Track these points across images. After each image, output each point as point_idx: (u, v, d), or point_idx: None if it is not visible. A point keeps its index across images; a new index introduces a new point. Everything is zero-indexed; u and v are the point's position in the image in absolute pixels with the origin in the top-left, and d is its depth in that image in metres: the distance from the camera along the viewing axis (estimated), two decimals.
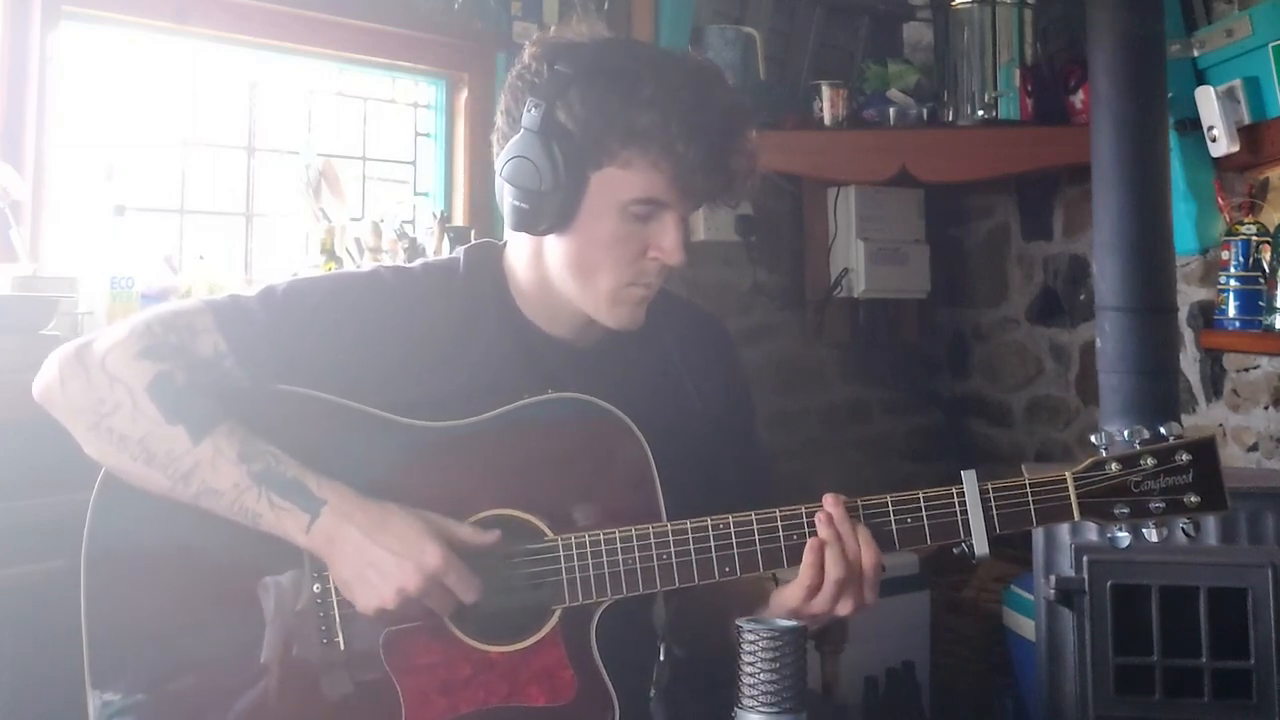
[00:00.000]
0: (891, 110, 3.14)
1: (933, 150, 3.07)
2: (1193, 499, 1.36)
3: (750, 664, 1.23)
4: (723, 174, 1.42)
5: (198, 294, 2.26)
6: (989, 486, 1.37)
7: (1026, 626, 2.56)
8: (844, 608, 1.37)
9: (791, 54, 3.34)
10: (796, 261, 3.41)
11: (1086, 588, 2.10)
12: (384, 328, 1.46)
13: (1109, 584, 2.11)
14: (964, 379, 3.70)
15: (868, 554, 1.36)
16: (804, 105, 3.18)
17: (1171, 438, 1.37)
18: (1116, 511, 1.36)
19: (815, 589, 1.37)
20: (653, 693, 1.43)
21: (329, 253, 2.50)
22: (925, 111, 3.14)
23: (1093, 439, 1.39)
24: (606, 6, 2.88)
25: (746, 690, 1.23)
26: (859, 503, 1.38)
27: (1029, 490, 1.37)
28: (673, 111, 1.37)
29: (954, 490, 1.38)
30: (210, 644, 1.37)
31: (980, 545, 1.37)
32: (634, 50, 1.45)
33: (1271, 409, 2.80)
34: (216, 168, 2.59)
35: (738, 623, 1.26)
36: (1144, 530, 1.37)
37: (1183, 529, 1.37)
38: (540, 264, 1.48)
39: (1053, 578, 2.14)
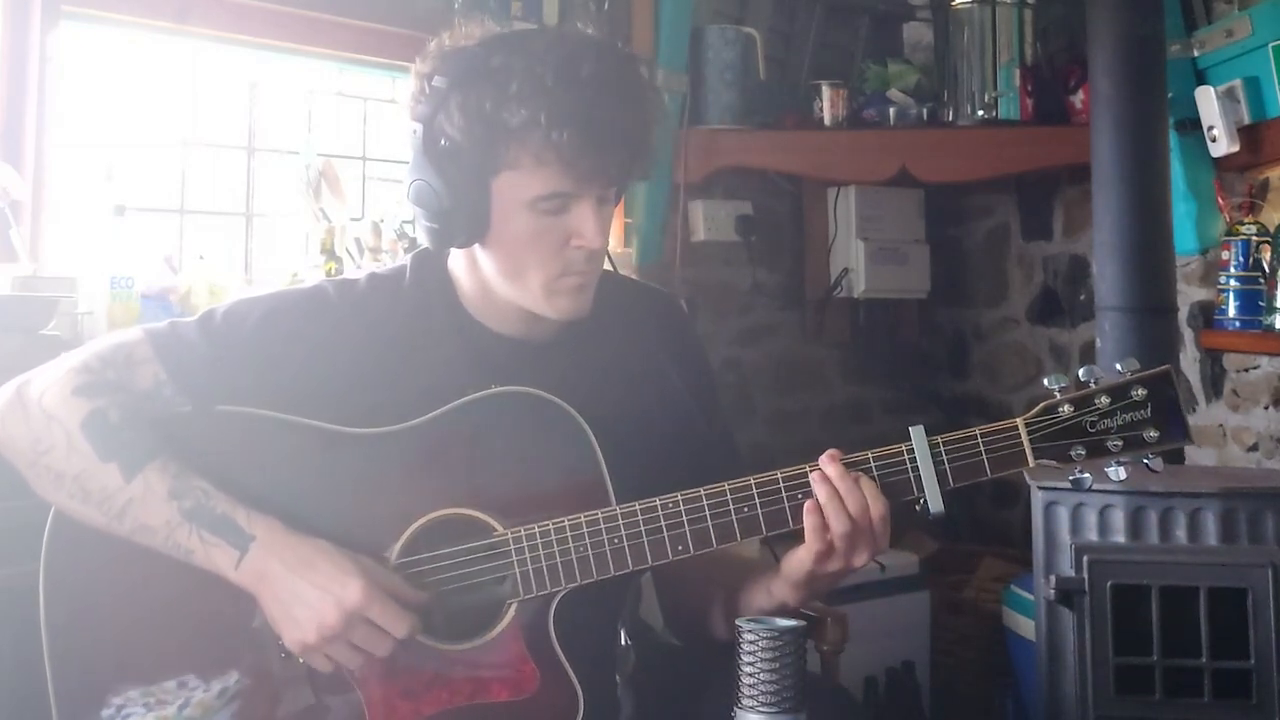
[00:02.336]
0: (891, 110, 3.14)
1: (933, 150, 3.07)
2: (1152, 434, 1.35)
3: (750, 664, 1.23)
4: (615, 149, 1.38)
5: (198, 294, 2.26)
6: (939, 440, 1.37)
7: (1026, 626, 2.56)
8: (859, 560, 1.37)
9: (791, 54, 3.33)
10: (796, 261, 3.41)
11: (1086, 588, 2.10)
12: (327, 343, 1.45)
13: (1109, 584, 2.10)
14: (964, 379, 3.70)
15: (876, 506, 1.35)
16: (804, 105, 3.18)
17: (1128, 374, 1.36)
18: (1073, 454, 1.36)
19: (825, 554, 1.37)
20: (618, 679, 1.42)
21: (329, 253, 2.50)
22: (925, 111, 3.14)
23: (1045, 381, 1.38)
24: (607, 6, 2.87)
25: (746, 690, 1.23)
26: (807, 466, 1.37)
27: (980, 440, 1.37)
28: (540, 103, 1.33)
29: (903, 447, 1.38)
30: (171, 666, 1.37)
31: (934, 501, 1.36)
32: (508, 45, 1.39)
33: (1271, 409, 2.80)
34: (216, 168, 2.59)
35: (738, 623, 1.26)
36: (1108, 470, 1.36)
37: (1146, 463, 1.36)
38: (477, 269, 1.48)
39: (1053, 578, 2.13)
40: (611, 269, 1.64)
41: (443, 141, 1.39)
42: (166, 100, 2.50)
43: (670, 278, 2.99)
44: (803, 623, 1.29)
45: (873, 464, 1.37)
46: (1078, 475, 1.37)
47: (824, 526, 1.35)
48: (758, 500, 1.37)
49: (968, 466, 1.36)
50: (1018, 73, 3.02)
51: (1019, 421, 1.37)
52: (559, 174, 1.37)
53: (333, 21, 2.58)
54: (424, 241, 1.47)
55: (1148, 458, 1.36)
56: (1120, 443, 1.35)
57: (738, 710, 1.24)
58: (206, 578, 1.35)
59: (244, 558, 1.33)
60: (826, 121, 3.13)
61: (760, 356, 3.33)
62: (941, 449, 1.37)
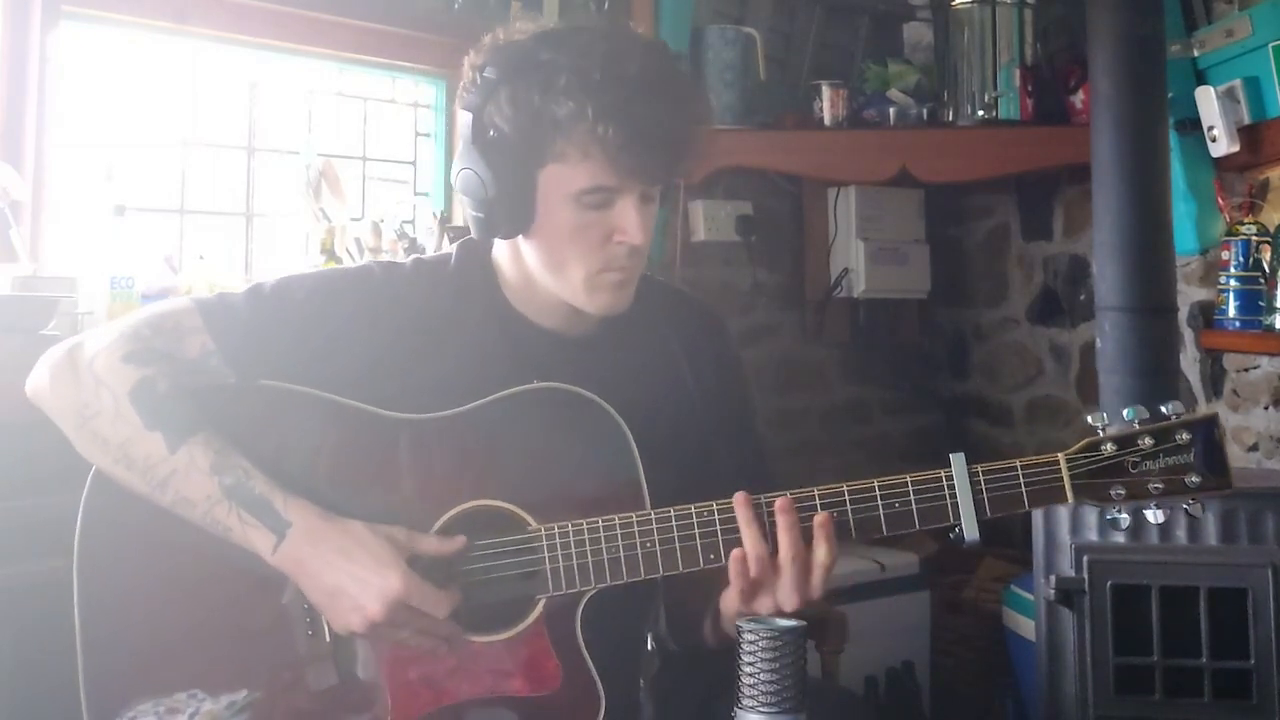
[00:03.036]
0: (891, 110, 3.14)
1: (933, 150, 3.07)
2: (1194, 479, 1.33)
3: (750, 664, 1.23)
4: (659, 146, 1.39)
5: (198, 294, 2.26)
6: (979, 470, 1.36)
7: (1026, 626, 2.56)
8: (789, 603, 1.35)
9: (791, 54, 3.33)
10: (796, 261, 3.41)
11: (1086, 588, 2.10)
12: (370, 322, 1.46)
13: (1109, 584, 2.10)
14: (964, 379, 3.70)
15: (821, 551, 1.34)
16: (804, 105, 3.18)
17: (1173, 416, 1.35)
18: (1113, 493, 1.34)
19: (748, 595, 1.36)
20: (641, 683, 1.42)
21: (329, 253, 2.50)
22: (925, 111, 3.14)
23: (1089, 419, 1.37)
24: (607, 6, 2.87)
25: (746, 690, 1.23)
26: (845, 488, 1.37)
27: (1020, 473, 1.35)
28: (587, 97, 1.35)
29: (942, 474, 1.36)
30: (199, 639, 1.38)
31: (970, 530, 1.35)
32: (558, 40, 1.41)
33: (1271, 409, 2.80)
34: (216, 168, 2.59)
35: (738, 623, 1.26)
36: (1145, 511, 1.35)
37: (1185, 509, 1.35)
38: (520, 260, 1.49)
39: (1053, 578, 2.13)
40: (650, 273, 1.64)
41: (491, 132, 1.40)
42: (166, 100, 2.50)
43: (670, 278, 2.99)
44: (803, 623, 1.28)
45: (910, 489, 1.36)
46: (1115, 515, 1.35)
47: (747, 573, 1.35)
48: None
49: (1006, 498, 1.35)
50: (1018, 73, 3.02)
51: (1060, 456, 1.35)
52: (603, 168, 1.38)
53: (333, 21, 2.58)
54: (471, 229, 1.48)
55: (1188, 503, 1.35)
56: (1161, 485, 1.34)
57: (738, 710, 1.24)
58: (239, 552, 1.36)
59: (281, 544, 1.34)
60: (826, 121, 3.13)
61: (760, 356, 3.32)
62: (981, 479, 1.35)
